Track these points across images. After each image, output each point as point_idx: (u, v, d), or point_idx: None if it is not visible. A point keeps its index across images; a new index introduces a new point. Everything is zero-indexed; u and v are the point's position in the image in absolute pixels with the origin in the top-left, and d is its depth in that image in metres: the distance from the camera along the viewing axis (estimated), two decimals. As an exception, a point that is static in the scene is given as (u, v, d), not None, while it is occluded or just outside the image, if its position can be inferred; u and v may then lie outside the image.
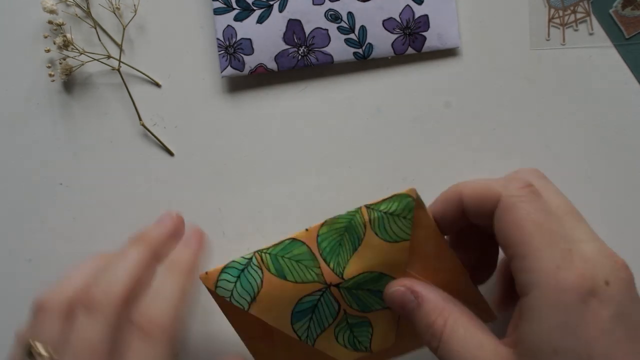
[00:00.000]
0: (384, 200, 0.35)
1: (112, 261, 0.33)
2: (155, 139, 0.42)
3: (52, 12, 0.41)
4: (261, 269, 0.35)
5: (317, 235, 0.35)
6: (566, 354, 0.25)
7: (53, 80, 0.42)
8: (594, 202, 0.42)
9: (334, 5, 0.41)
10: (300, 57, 0.41)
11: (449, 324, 0.28)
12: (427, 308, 0.29)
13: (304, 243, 0.35)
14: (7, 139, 0.43)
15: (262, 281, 0.35)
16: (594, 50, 0.42)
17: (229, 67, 0.41)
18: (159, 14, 0.43)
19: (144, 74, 0.42)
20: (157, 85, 0.43)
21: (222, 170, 0.42)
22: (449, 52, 0.42)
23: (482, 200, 0.29)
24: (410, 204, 0.34)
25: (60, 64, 0.41)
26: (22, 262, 0.42)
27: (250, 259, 0.35)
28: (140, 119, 0.42)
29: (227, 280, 0.35)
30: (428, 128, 0.42)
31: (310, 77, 0.42)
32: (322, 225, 0.35)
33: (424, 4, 0.41)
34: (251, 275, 0.35)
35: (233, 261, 0.35)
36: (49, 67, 0.42)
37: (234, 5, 0.41)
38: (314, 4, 0.41)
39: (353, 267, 0.35)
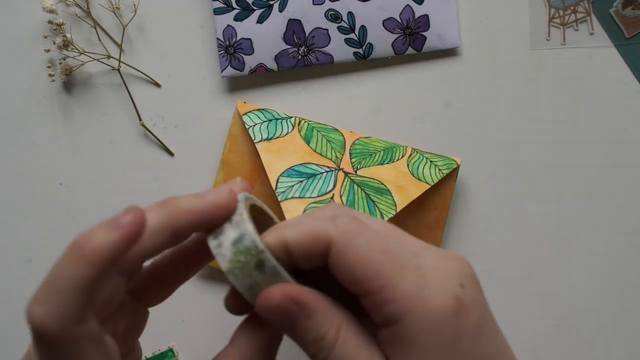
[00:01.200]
0: (431, 153, 0.36)
1: None
2: (155, 139, 0.42)
3: (52, 12, 0.41)
4: (293, 127, 0.35)
5: (357, 139, 0.36)
6: None
7: (53, 80, 0.42)
8: (595, 202, 0.42)
9: (334, 5, 0.41)
10: (300, 57, 0.41)
11: (341, 335, 0.25)
12: (317, 319, 0.25)
13: (342, 135, 0.36)
14: (7, 139, 0.43)
15: (286, 134, 0.35)
16: (594, 50, 0.42)
17: (229, 67, 0.41)
18: (159, 14, 0.43)
19: (144, 74, 0.42)
20: (157, 85, 0.43)
21: (222, 170, 0.42)
22: (449, 52, 0.42)
23: (312, 247, 0.25)
24: (452, 164, 0.35)
25: (60, 64, 0.41)
26: (22, 262, 0.42)
27: (290, 117, 0.35)
28: (140, 119, 0.42)
29: (258, 117, 0.36)
30: (428, 128, 0.42)
31: (310, 77, 0.42)
32: (366, 137, 0.36)
33: (424, 4, 0.41)
34: (281, 126, 0.36)
35: (274, 111, 0.35)
36: (49, 67, 0.42)
37: (234, 5, 0.41)
38: (314, 3, 0.41)
39: (370, 171, 0.35)
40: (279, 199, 0.36)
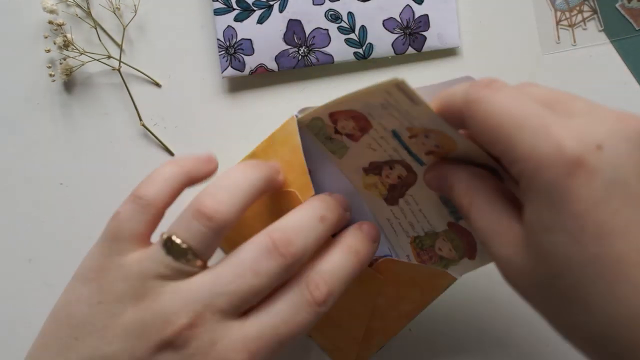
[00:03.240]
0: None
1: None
2: (155, 139, 0.42)
3: (52, 12, 0.41)
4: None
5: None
6: (557, 231, 0.23)
7: (53, 80, 0.42)
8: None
9: (334, 5, 0.41)
10: (300, 57, 0.41)
11: (474, 203, 0.28)
12: (457, 191, 0.29)
13: None
14: (7, 139, 0.43)
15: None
16: (594, 50, 0.42)
17: (230, 67, 0.41)
18: (159, 14, 0.43)
19: (144, 74, 0.42)
20: (157, 85, 0.43)
21: (222, 170, 0.42)
22: (449, 52, 0.42)
23: (451, 114, 0.28)
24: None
25: (61, 64, 0.41)
26: (22, 262, 0.42)
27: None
28: (140, 119, 0.42)
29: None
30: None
31: (310, 77, 0.42)
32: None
33: (424, 3, 0.41)
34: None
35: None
36: (49, 67, 0.42)
37: (234, 6, 0.41)
38: (314, 4, 0.41)
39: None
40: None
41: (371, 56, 0.41)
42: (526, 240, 0.25)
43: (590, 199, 0.22)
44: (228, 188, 0.30)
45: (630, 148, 0.23)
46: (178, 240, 0.28)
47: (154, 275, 0.28)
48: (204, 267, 0.29)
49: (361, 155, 0.34)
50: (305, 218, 0.30)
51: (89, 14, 0.42)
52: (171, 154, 0.42)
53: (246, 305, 0.28)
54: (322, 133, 0.34)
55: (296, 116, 0.34)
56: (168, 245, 0.28)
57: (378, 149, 0.33)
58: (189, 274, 0.28)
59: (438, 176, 0.31)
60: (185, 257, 0.28)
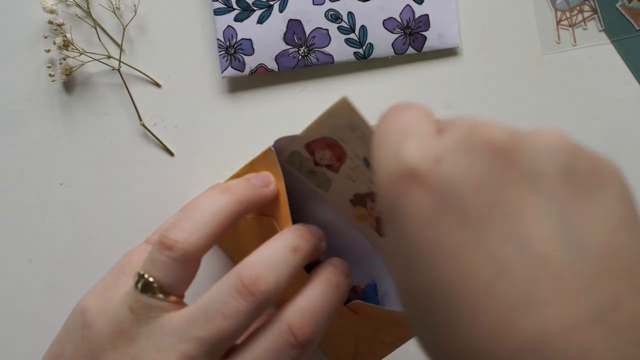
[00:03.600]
0: None
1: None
2: (155, 139, 0.42)
3: (52, 12, 0.41)
4: None
5: None
6: (397, 256, 0.21)
7: (53, 80, 0.42)
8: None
9: (334, 5, 0.41)
10: (300, 57, 0.41)
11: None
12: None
13: None
14: (7, 139, 0.43)
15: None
16: (595, 50, 0.42)
17: (230, 67, 0.41)
18: (159, 14, 0.42)
19: (144, 74, 0.42)
20: (157, 85, 0.43)
21: (222, 170, 0.42)
22: (449, 52, 0.42)
23: None
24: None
25: (61, 64, 0.41)
26: (22, 262, 0.42)
27: None
28: (140, 119, 0.42)
29: None
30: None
31: (310, 77, 0.42)
32: None
33: (424, 3, 0.41)
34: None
35: None
36: (49, 67, 0.42)
37: (234, 6, 0.41)
38: (314, 4, 0.41)
39: None
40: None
41: (371, 56, 0.41)
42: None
43: (424, 218, 0.20)
44: (192, 217, 0.29)
45: (471, 160, 0.20)
46: (145, 274, 0.29)
47: (128, 312, 0.28)
48: (178, 301, 0.29)
49: (344, 187, 0.33)
50: (277, 251, 0.29)
51: (88, 14, 0.42)
52: (171, 154, 0.42)
53: (221, 350, 0.28)
54: (303, 167, 0.33)
55: (273, 147, 0.33)
56: (138, 280, 0.29)
57: (357, 180, 0.32)
58: (161, 310, 0.28)
59: None
60: (152, 291, 0.28)
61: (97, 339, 0.29)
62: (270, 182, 0.33)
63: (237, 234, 0.36)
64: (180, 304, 0.29)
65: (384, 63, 0.42)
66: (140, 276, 0.29)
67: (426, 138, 0.21)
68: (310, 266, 0.33)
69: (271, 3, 0.41)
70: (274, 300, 0.29)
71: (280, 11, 0.41)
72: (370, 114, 0.42)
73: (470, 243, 0.19)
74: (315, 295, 0.29)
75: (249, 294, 0.27)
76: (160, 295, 0.28)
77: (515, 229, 0.19)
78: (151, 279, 0.28)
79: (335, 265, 0.32)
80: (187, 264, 0.29)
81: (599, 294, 0.19)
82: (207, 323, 0.27)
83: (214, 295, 0.28)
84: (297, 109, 0.42)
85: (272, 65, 0.41)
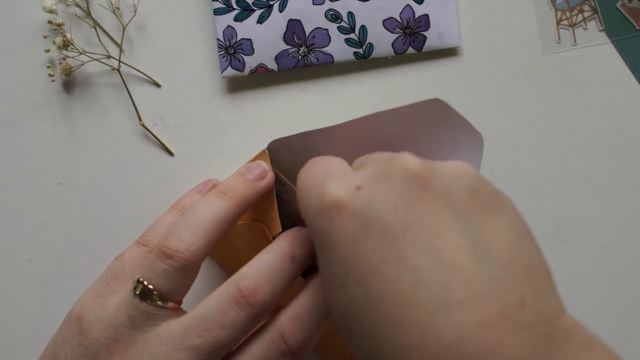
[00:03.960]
0: None
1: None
2: (155, 139, 0.42)
3: (52, 12, 0.41)
4: None
5: None
6: (328, 277, 0.23)
7: (53, 80, 0.42)
8: (595, 202, 0.42)
9: (334, 5, 0.41)
10: (300, 57, 0.41)
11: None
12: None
13: None
14: (7, 139, 0.43)
15: None
16: (595, 50, 0.42)
17: (229, 67, 0.41)
18: (159, 14, 0.42)
19: (144, 74, 0.42)
20: (157, 85, 0.43)
21: (222, 170, 0.42)
22: (449, 52, 0.42)
23: None
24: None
25: (60, 64, 0.41)
26: (22, 262, 0.42)
27: None
28: (140, 119, 0.42)
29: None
30: (428, 128, 0.42)
31: (310, 77, 0.42)
32: None
33: (424, 3, 0.41)
34: None
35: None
36: (48, 67, 0.42)
37: (234, 6, 0.41)
38: (314, 3, 0.41)
39: None
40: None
41: (371, 56, 0.41)
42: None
43: (349, 240, 0.22)
44: (190, 224, 0.30)
45: (389, 186, 0.22)
46: (145, 282, 0.29)
47: (125, 319, 0.29)
48: (176, 308, 0.29)
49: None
50: (274, 261, 0.29)
51: (88, 13, 0.42)
52: (171, 154, 0.42)
53: (217, 358, 0.28)
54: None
55: (267, 150, 0.33)
56: (136, 286, 0.29)
57: None
58: (159, 318, 0.29)
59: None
60: (151, 298, 0.29)
61: (93, 345, 0.29)
62: (265, 173, 0.33)
63: (226, 240, 0.36)
64: (178, 311, 0.30)
65: (384, 63, 0.42)
66: (140, 283, 0.29)
67: (345, 174, 0.24)
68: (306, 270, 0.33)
69: (271, 3, 0.41)
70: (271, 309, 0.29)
71: (280, 11, 0.41)
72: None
73: (392, 258, 0.21)
74: (308, 303, 0.29)
75: (247, 304, 0.28)
76: (159, 303, 0.29)
77: (430, 242, 0.21)
78: (151, 287, 0.29)
79: None
80: (188, 272, 0.29)
81: (506, 294, 0.21)
82: (205, 332, 0.28)
83: (211, 305, 0.28)
84: (297, 109, 0.42)
85: (272, 65, 0.41)
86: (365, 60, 0.42)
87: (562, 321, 0.22)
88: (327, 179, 0.24)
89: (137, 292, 0.29)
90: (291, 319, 0.29)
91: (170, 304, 0.29)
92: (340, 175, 0.24)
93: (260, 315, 0.28)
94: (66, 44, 0.41)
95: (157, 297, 0.29)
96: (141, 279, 0.29)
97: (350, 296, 0.22)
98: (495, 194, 0.24)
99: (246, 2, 0.40)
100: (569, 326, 0.22)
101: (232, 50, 0.41)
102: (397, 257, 0.21)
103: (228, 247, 0.38)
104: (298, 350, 0.28)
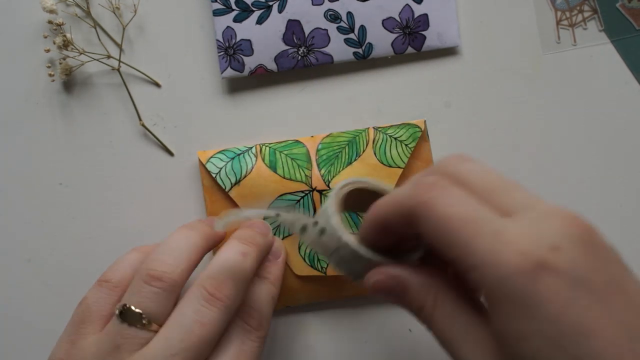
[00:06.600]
0: (392, 126, 0.36)
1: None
2: (155, 139, 0.42)
3: (52, 12, 0.41)
4: (256, 157, 0.36)
5: (319, 143, 0.36)
6: (534, 337, 0.23)
7: (53, 80, 0.42)
8: (595, 202, 0.42)
9: (334, 5, 0.40)
10: (300, 57, 0.41)
11: (438, 303, 0.27)
12: (413, 293, 0.28)
13: (304, 145, 0.36)
14: (7, 139, 0.43)
15: (252, 167, 0.36)
16: (595, 50, 0.42)
17: (229, 68, 0.41)
18: (159, 14, 0.43)
19: (144, 74, 0.42)
20: (157, 85, 0.43)
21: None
22: (448, 52, 0.42)
23: (401, 217, 0.27)
24: (416, 133, 0.36)
25: (60, 64, 0.41)
26: (22, 262, 0.42)
27: (251, 148, 0.36)
28: (140, 119, 0.42)
29: (220, 159, 0.37)
30: (428, 128, 0.42)
31: (310, 77, 0.42)
32: (327, 135, 0.37)
33: (423, 3, 0.41)
34: (245, 160, 0.37)
35: (235, 147, 0.36)
36: (48, 67, 0.42)
37: (234, 7, 0.41)
38: (313, 4, 0.41)
39: (342, 178, 0.36)
40: None
41: (371, 56, 0.41)
42: (500, 349, 0.25)
43: (561, 300, 0.23)
44: (172, 251, 0.32)
45: (584, 248, 0.24)
46: (132, 307, 0.30)
47: (110, 347, 0.29)
48: (158, 330, 0.30)
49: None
50: (228, 259, 0.33)
51: (88, 13, 0.42)
52: (171, 153, 0.42)
53: (202, 357, 0.30)
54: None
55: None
56: (123, 313, 0.30)
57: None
58: (144, 341, 0.29)
59: (385, 280, 0.28)
60: (140, 322, 0.30)
61: None
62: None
63: None
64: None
65: (384, 63, 0.42)
66: (126, 309, 0.30)
67: (510, 223, 0.24)
68: None
69: (270, 3, 0.41)
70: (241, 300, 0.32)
71: (280, 12, 0.41)
72: (370, 114, 0.42)
73: (605, 316, 0.22)
74: (258, 291, 0.35)
75: (216, 300, 0.31)
76: (153, 326, 0.30)
77: (628, 296, 0.23)
78: (139, 310, 0.30)
79: (273, 254, 0.37)
80: (174, 294, 0.31)
81: None
82: (186, 334, 0.29)
83: (184, 309, 0.30)
84: (296, 109, 0.42)
85: (272, 65, 0.41)
86: (364, 60, 0.42)
87: None
88: (507, 229, 0.24)
89: (125, 318, 0.30)
90: (248, 304, 0.33)
91: (154, 326, 0.30)
92: (519, 226, 0.24)
93: (232, 307, 0.31)
94: (66, 44, 0.41)
95: (147, 320, 0.30)
96: (127, 305, 0.30)
97: (568, 355, 0.22)
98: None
99: (245, 3, 0.40)
100: None
101: (231, 51, 0.41)
102: (609, 315, 0.22)
103: None
104: (258, 327, 0.33)
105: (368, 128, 0.38)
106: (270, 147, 0.38)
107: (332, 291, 0.39)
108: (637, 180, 0.42)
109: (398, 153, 0.36)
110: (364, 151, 0.37)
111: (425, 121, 0.37)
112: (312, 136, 0.38)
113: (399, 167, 0.37)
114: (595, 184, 0.42)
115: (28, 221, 0.43)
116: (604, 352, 0.22)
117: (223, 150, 0.38)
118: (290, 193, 0.37)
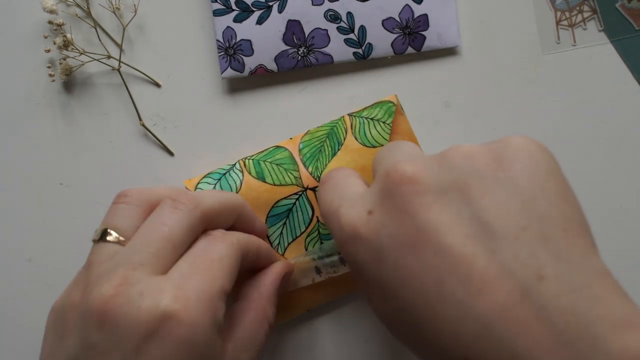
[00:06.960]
0: (365, 108, 0.37)
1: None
2: (155, 139, 0.42)
3: (52, 12, 0.41)
4: (242, 172, 0.36)
5: (300, 142, 0.37)
6: (372, 297, 0.27)
7: (53, 80, 0.42)
8: (595, 202, 0.42)
9: (333, 6, 0.41)
10: (300, 57, 0.41)
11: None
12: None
13: (286, 149, 0.37)
14: (7, 139, 0.43)
15: (241, 183, 0.36)
16: (594, 50, 0.42)
17: (229, 68, 0.41)
18: (159, 14, 0.43)
19: (144, 74, 0.42)
20: (157, 85, 0.43)
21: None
22: (448, 52, 0.42)
23: None
24: (390, 108, 0.36)
25: (60, 64, 0.41)
26: (22, 262, 0.42)
27: (234, 165, 0.36)
28: (140, 119, 0.42)
29: (207, 183, 0.37)
30: (428, 128, 0.42)
31: (310, 77, 0.42)
32: (306, 133, 0.37)
33: (423, 3, 0.41)
34: (232, 178, 0.37)
35: (219, 168, 0.37)
36: (49, 67, 0.42)
37: (234, 7, 0.41)
38: (313, 4, 0.41)
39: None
40: (279, 252, 0.37)
41: (370, 56, 0.41)
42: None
43: (375, 263, 0.24)
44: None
45: (392, 202, 0.25)
46: (101, 226, 0.30)
47: (84, 270, 0.30)
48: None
49: None
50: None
51: (88, 14, 0.42)
52: (171, 154, 0.43)
53: (166, 258, 0.29)
54: None
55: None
56: (96, 235, 0.30)
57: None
58: (113, 254, 0.29)
59: None
60: (106, 237, 0.30)
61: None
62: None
63: None
64: None
65: (384, 63, 0.42)
66: (96, 231, 0.30)
67: (356, 198, 0.27)
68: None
69: (270, 4, 0.41)
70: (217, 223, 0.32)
71: (280, 12, 0.41)
72: (370, 114, 0.42)
73: (414, 266, 0.23)
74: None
75: (181, 204, 0.30)
76: (113, 239, 0.30)
77: (440, 242, 0.23)
78: (103, 226, 0.30)
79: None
80: (140, 207, 0.31)
81: (521, 271, 0.21)
82: (150, 232, 0.29)
83: (151, 217, 0.30)
84: (296, 109, 0.42)
85: (272, 65, 0.41)
86: (364, 60, 0.42)
87: (592, 291, 0.21)
88: (341, 207, 0.27)
89: (95, 240, 0.30)
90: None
91: (123, 241, 0.30)
92: (352, 200, 0.27)
93: (194, 212, 0.30)
94: (66, 44, 0.41)
95: (112, 236, 0.30)
96: (102, 227, 0.30)
97: (391, 309, 0.25)
98: (494, 161, 0.25)
99: (245, 3, 0.41)
100: (600, 294, 0.21)
101: (231, 51, 0.41)
102: (417, 264, 0.23)
103: None
104: (220, 236, 0.31)
105: (343, 116, 0.38)
106: (253, 160, 0.37)
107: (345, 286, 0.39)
108: (637, 180, 0.42)
109: (378, 132, 0.37)
110: (345, 139, 0.37)
111: (396, 95, 0.38)
112: (290, 138, 0.38)
113: (382, 144, 0.37)
114: (595, 184, 0.42)
115: (28, 221, 0.43)
116: (415, 302, 0.23)
117: (208, 174, 0.38)
118: (284, 198, 0.37)
